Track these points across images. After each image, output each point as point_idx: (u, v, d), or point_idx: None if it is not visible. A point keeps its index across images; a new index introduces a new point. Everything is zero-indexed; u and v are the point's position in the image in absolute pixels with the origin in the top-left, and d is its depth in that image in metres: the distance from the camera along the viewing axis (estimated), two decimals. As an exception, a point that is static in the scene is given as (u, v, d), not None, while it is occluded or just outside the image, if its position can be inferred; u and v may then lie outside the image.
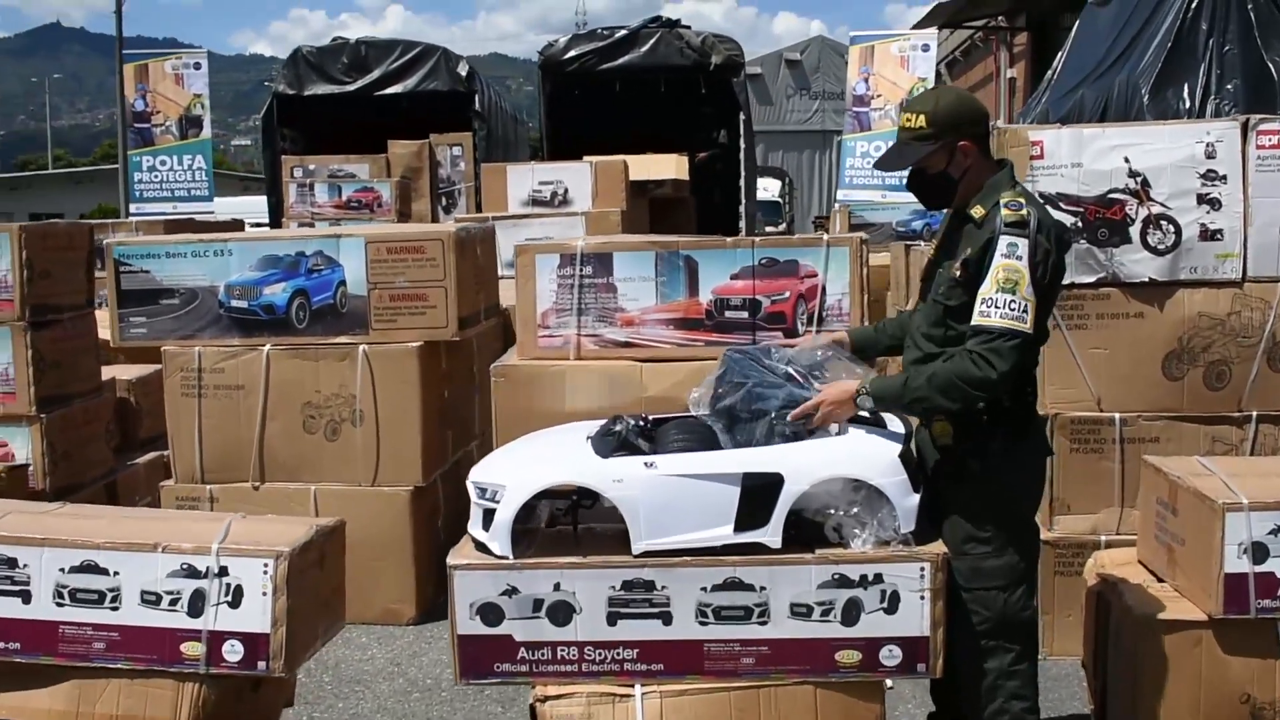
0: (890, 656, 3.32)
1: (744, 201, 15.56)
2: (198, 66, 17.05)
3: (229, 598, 3.43)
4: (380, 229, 5.76)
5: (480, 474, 3.48)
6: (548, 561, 3.32)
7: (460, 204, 15.19)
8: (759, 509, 3.25)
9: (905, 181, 3.72)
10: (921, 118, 3.52)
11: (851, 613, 3.29)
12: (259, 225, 15.95)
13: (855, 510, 3.27)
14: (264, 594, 3.42)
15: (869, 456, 3.30)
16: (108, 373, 7.18)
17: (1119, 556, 4.23)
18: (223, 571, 3.43)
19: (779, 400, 3.37)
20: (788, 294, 4.74)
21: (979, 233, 3.45)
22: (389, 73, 16.56)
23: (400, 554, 5.58)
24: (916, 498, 3.31)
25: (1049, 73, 13.16)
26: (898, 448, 3.33)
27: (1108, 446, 4.86)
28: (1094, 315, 4.83)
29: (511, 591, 3.32)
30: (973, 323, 3.37)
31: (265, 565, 3.42)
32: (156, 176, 16.90)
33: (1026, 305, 3.31)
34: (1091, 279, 4.82)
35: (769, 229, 22.04)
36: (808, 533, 3.34)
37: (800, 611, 3.29)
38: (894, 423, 3.51)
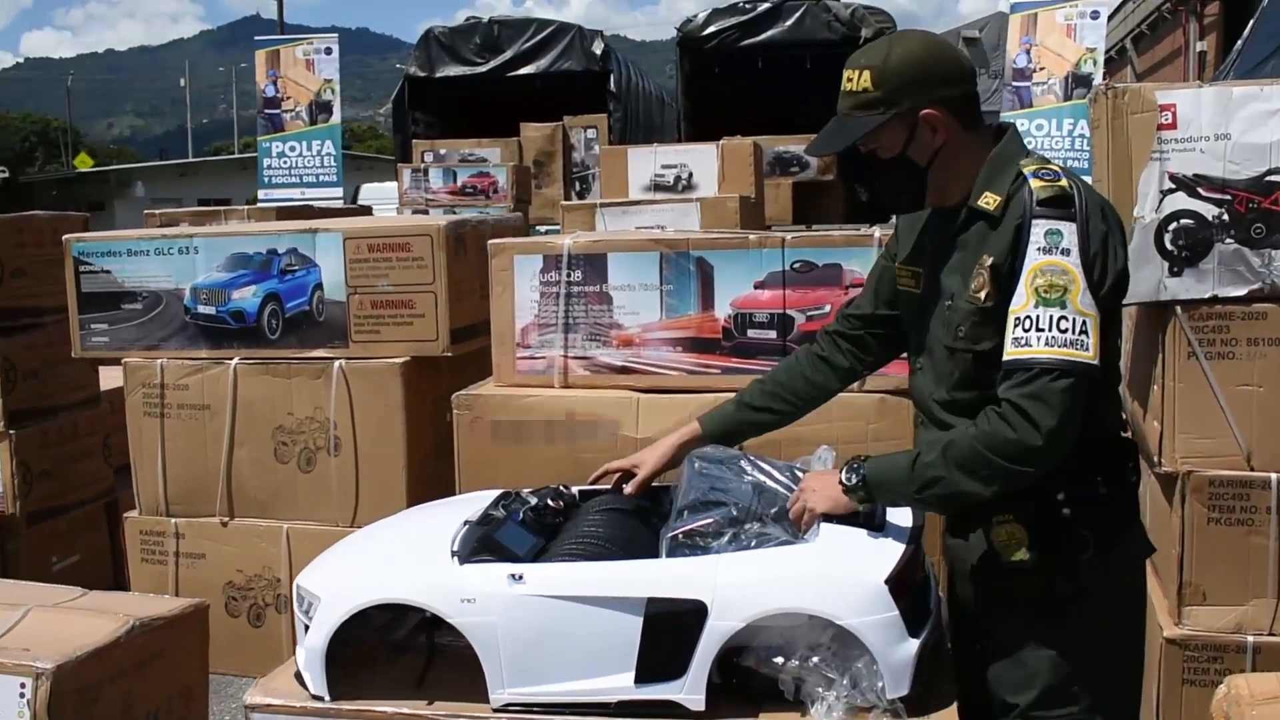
0: None
1: (896, 186, 14.39)
2: (329, 51, 16.51)
3: (-23, 728, 2.54)
4: (361, 223, 4.86)
5: (305, 577, 2.52)
6: (373, 710, 2.33)
7: (594, 189, 14.40)
8: (672, 651, 2.20)
9: (841, 168, 2.62)
10: (866, 75, 2.38)
11: (813, 808, 2.21)
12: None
13: (817, 660, 2.18)
14: (19, 726, 2.51)
15: (837, 580, 2.20)
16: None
17: (1264, 686, 2.98)
18: (-32, 692, 2.54)
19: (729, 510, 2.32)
20: (828, 308, 3.66)
21: (998, 232, 2.32)
22: (522, 52, 15.96)
23: (382, 610, 4.66)
24: (914, 645, 2.20)
25: (1237, 43, 11.64)
26: (888, 566, 2.22)
27: (1260, 517, 3.61)
28: (1244, 340, 3.58)
29: (327, 747, 2.34)
30: (1005, 357, 2.25)
31: (22, 687, 2.51)
32: (285, 162, 16.45)
33: (1085, 323, 2.19)
34: (1242, 291, 3.57)
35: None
36: (756, 684, 2.27)
37: (734, 804, 2.23)
38: (897, 517, 2.40)
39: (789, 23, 14.61)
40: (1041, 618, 2.38)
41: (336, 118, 16.68)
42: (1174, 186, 3.54)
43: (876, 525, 2.34)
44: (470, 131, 14.79)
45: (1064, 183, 2.27)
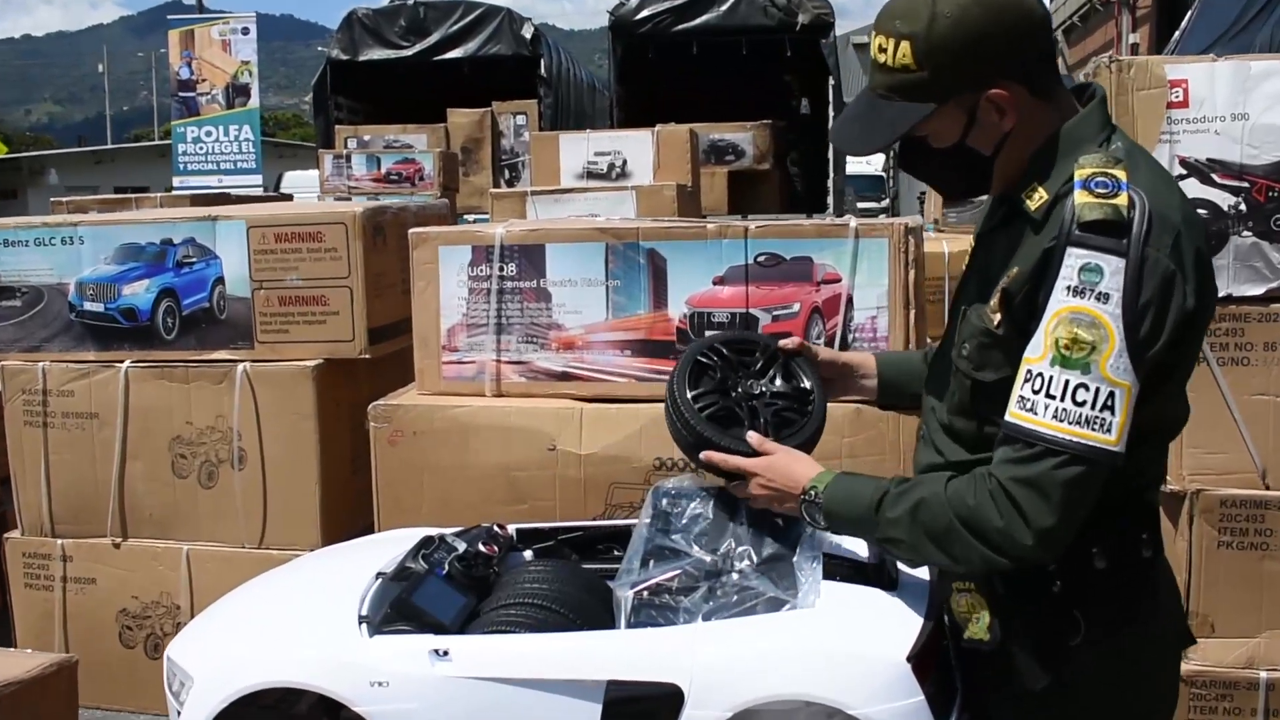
0: None
1: (832, 175, 14.15)
2: (245, 32, 15.93)
3: None
4: (267, 210, 4.37)
5: (177, 647, 2.06)
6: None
7: (525, 176, 13.98)
8: (638, 746, 1.76)
9: (897, 154, 2.10)
10: (904, 48, 1.81)
11: None
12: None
13: (820, 754, 1.76)
14: None
15: (847, 658, 1.78)
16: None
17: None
18: None
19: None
20: (797, 306, 3.25)
21: (1034, 241, 1.81)
22: (449, 36, 15.50)
23: (293, 642, 4.17)
24: (940, 733, 1.78)
25: (1176, 34, 11.44)
26: (910, 638, 1.80)
27: (1275, 540, 3.26)
28: (1260, 345, 3.22)
29: None
30: (1006, 415, 1.77)
31: None
32: (201, 148, 15.84)
33: (1113, 396, 1.69)
34: (1259, 290, 3.21)
35: (864, 205, 20.40)
36: (739, 778, 1.84)
37: None
38: (912, 572, 1.98)
39: (724, 8, 14.24)
40: (1014, 710, 1.91)
41: (255, 101, 16.09)
42: (1185, 172, 3.17)
43: (888, 580, 1.92)
44: (395, 117, 14.33)
45: (1121, 200, 1.72)
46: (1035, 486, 1.71)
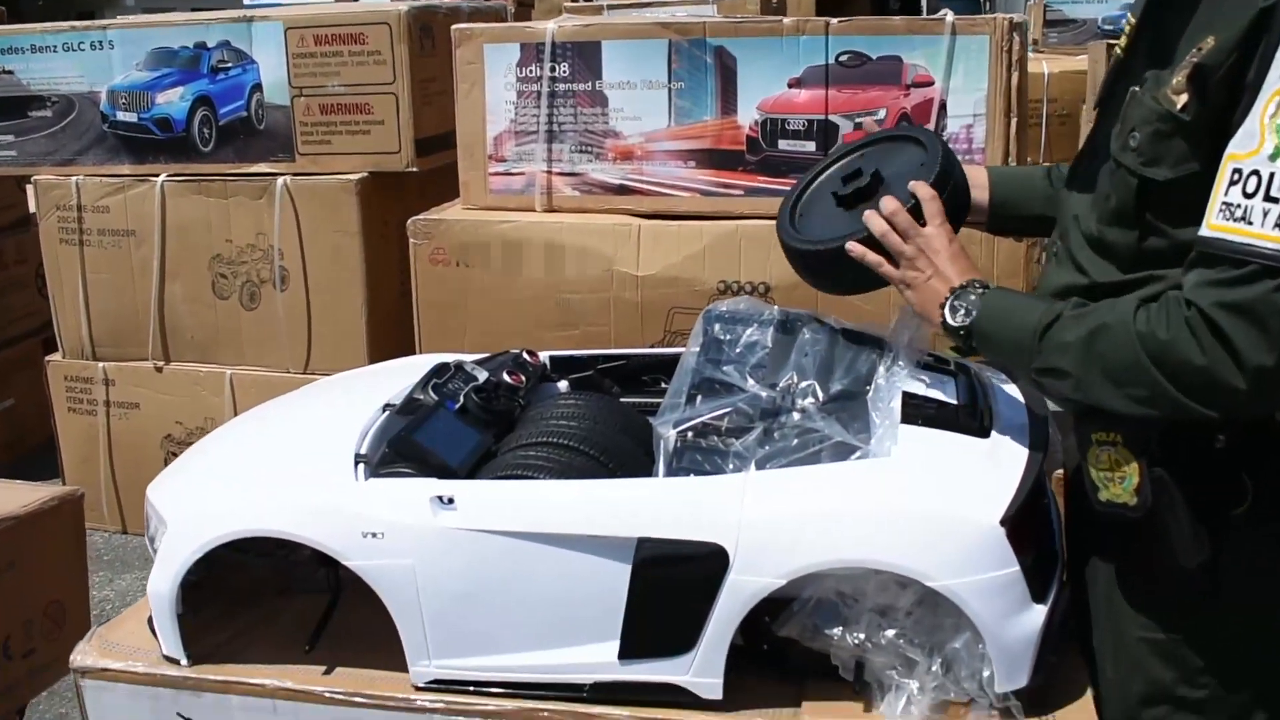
0: None
1: (926, -8, 13.39)
2: None
3: None
4: (306, 10, 4.02)
5: (156, 488, 1.81)
6: (246, 682, 1.63)
7: (605, -7, 13.38)
8: (674, 616, 1.49)
9: None
10: None
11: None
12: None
13: (892, 634, 1.47)
14: None
15: (927, 519, 1.47)
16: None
17: None
18: None
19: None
20: (882, 113, 2.88)
21: (1236, 3, 1.38)
22: None
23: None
24: (1039, 615, 1.48)
25: None
26: (1005, 496, 1.48)
27: None
28: None
29: (184, 729, 1.66)
30: (1201, 232, 1.37)
31: None
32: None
33: None
34: None
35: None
36: (797, 659, 1.56)
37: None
38: (1010, 409, 1.66)
39: None
40: (1151, 590, 1.58)
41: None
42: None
43: (980, 424, 1.59)
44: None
45: None
46: (1250, 315, 1.32)
